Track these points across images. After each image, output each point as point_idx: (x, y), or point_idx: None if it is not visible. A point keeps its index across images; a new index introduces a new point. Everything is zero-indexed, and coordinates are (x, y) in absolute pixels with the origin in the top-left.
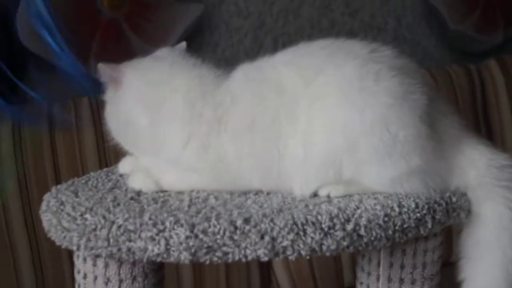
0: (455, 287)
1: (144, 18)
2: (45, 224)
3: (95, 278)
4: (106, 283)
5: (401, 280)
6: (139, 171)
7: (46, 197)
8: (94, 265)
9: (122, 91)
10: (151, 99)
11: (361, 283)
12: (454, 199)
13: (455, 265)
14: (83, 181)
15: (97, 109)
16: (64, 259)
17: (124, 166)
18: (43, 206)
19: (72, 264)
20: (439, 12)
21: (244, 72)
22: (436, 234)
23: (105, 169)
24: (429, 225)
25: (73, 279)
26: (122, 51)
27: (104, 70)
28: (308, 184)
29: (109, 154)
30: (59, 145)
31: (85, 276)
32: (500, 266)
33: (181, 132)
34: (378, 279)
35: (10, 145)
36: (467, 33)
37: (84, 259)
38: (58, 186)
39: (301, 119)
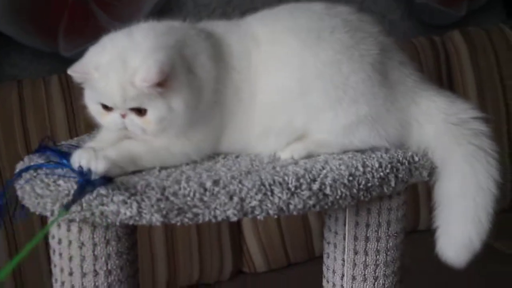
0: (423, 253)
1: None
2: (19, 192)
3: (70, 242)
4: (81, 247)
5: (367, 238)
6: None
7: (19, 165)
8: (68, 230)
9: (171, 85)
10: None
11: (328, 243)
12: (416, 158)
13: (423, 232)
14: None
15: (67, 86)
16: (37, 230)
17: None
18: (16, 173)
19: (46, 239)
20: None
21: (222, 26)
22: (399, 192)
23: (76, 138)
24: (393, 184)
25: (46, 249)
26: (91, 29)
27: (150, 83)
28: (263, 133)
29: (79, 130)
30: (30, 123)
31: (59, 241)
32: (471, 214)
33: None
34: (344, 238)
35: None
36: (432, 5)
37: (58, 225)
38: (31, 155)
39: (261, 66)
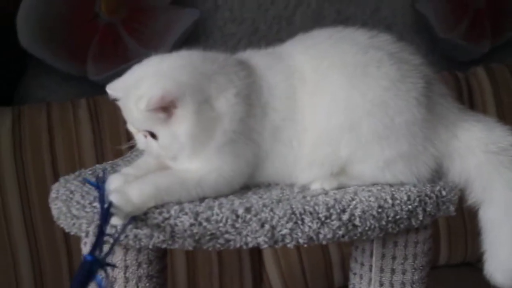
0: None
1: (141, 22)
2: (54, 212)
3: None
4: (113, 269)
5: (393, 270)
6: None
7: (55, 186)
8: (101, 251)
9: (176, 113)
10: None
11: (354, 274)
12: (444, 193)
13: (442, 268)
14: (89, 172)
15: (95, 109)
16: (61, 255)
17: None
18: (52, 194)
19: (69, 260)
20: (429, 21)
21: (266, 61)
22: (426, 226)
23: (110, 162)
24: (420, 217)
25: (70, 274)
26: (119, 55)
27: (149, 109)
28: (307, 165)
29: (106, 152)
30: (58, 145)
31: None
32: None
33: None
34: (370, 269)
35: (10, 144)
36: (455, 41)
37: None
38: (66, 176)
39: (307, 104)
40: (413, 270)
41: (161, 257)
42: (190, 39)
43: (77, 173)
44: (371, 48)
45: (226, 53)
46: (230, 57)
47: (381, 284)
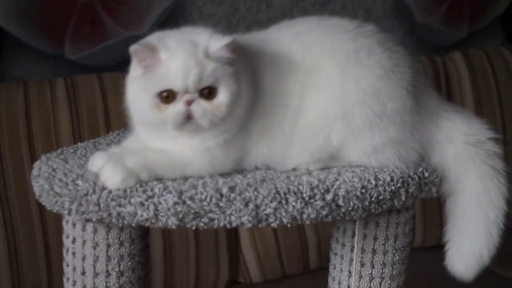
0: (418, 271)
1: (120, 2)
2: (36, 190)
3: (84, 242)
4: (94, 247)
5: (374, 251)
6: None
7: (37, 164)
8: (83, 230)
9: (238, 68)
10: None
11: (335, 254)
12: (426, 174)
13: (417, 251)
14: (71, 150)
15: (72, 89)
16: (37, 231)
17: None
18: (34, 172)
19: (44, 238)
20: (408, 5)
21: (251, 45)
22: (408, 208)
23: (92, 140)
24: (403, 198)
25: (46, 254)
26: (97, 34)
27: (226, 47)
28: (297, 151)
29: (83, 132)
30: (35, 124)
31: (74, 241)
32: (483, 228)
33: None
34: (352, 250)
35: None
36: (434, 26)
37: (73, 224)
38: (48, 154)
39: (299, 90)
40: (394, 251)
41: (143, 236)
42: (168, 20)
43: (59, 151)
44: (359, 36)
45: None
46: None
47: (362, 265)
